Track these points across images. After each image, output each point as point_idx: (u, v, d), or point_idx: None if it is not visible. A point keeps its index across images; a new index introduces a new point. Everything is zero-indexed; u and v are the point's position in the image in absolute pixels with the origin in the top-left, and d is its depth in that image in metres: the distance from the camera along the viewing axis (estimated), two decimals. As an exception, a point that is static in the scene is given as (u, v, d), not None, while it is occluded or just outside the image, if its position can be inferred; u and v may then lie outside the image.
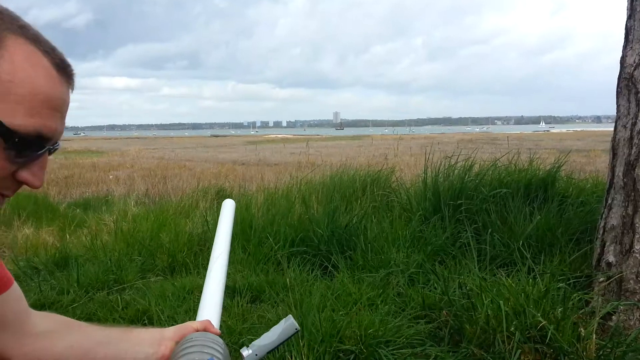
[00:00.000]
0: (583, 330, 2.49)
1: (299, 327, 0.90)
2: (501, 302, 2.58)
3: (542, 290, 2.75)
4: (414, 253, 3.91)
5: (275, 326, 0.92)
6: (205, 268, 3.71)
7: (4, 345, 0.88)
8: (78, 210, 8.34)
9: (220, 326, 0.99)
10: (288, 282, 3.41)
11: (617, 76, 3.17)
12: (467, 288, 2.94)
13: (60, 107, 0.70)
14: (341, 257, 4.04)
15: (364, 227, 4.47)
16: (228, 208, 1.31)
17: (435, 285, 3.31)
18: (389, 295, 3.28)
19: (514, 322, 2.51)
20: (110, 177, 15.28)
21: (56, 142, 0.72)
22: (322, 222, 4.48)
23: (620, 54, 3.16)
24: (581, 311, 2.78)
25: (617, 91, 3.15)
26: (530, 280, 2.90)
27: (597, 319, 2.60)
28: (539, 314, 2.51)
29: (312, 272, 3.86)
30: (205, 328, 0.94)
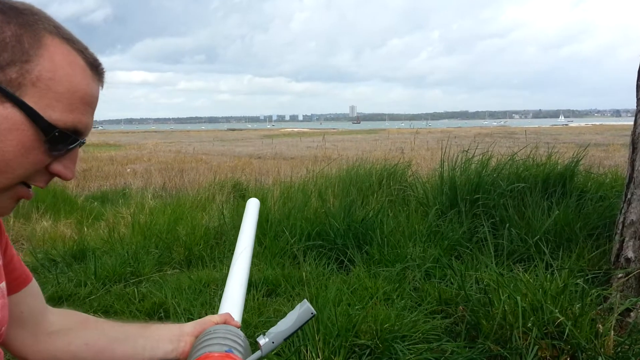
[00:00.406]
0: (601, 327, 2.46)
1: (315, 312, 0.89)
2: (518, 297, 2.56)
3: (560, 286, 2.72)
4: (431, 247, 3.89)
5: (290, 312, 0.90)
6: (222, 261, 3.72)
7: (21, 343, 0.89)
8: (96, 203, 8.44)
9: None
10: (304, 276, 3.41)
11: (637, 69, 3.11)
12: (484, 283, 2.92)
13: (93, 104, 0.74)
14: (357, 251, 4.04)
15: (380, 221, 4.45)
16: (252, 207, 1.32)
17: (452, 280, 3.30)
18: (405, 289, 3.27)
19: (531, 318, 2.49)
20: (128, 170, 15.42)
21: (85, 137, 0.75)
22: (339, 216, 4.48)
23: (641, 47, 3.10)
24: (599, 307, 2.74)
25: (637, 84, 3.10)
26: (548, 275, 2.87)
27: (616, 315, 2.57)
28: (556, 310, 2.48)
29: (328, 266, 3.86)
30: (226, 321, 0.93)
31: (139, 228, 5.11)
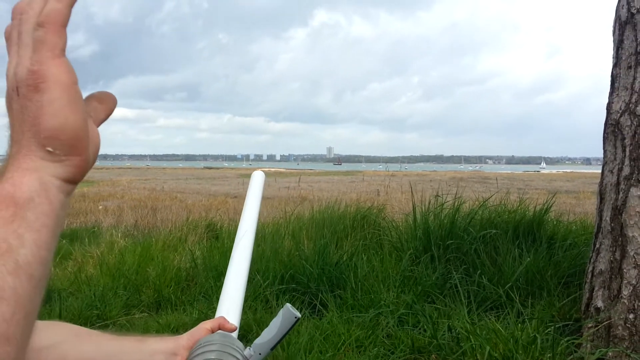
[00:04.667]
0: (572, 378, 2.46)
1: (299, 315, 0.85)
2: (488, 347, 2.55)
3: (531, 335, 2.72)
4: (404, 293, 3.88)
5: (274, 319, 0.86)
6: (192, 305, 3.63)
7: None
8: (64, 241, 8.22)
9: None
10: (276, 321, 3.35)
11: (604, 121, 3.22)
12: (456, 332, 2.90)
13: None
14: (330, 295, 4.00)
15: (354, 264, 4.43)
16: (257, 181, 1.24)
17: (425, 327, 3.28)
18: (378, 336, 3.24)
19: (502, 368, 2.48)
20: (100, 207, 15.15)
21: None
22: (312, 259, 4.45)
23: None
24: (570, 357, 2.75)
25: (603, 137, 3.20)
26: (519, 324, 2.88)
27: (587, 365, 2.58)
28: (527, 360, 2.48)
29: (301, 311, 3.81)
30: (220, 326, 0.89)
31: (108, 269, 4.99)
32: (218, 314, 0.94)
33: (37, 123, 0.49)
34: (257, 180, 1.25)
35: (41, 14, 0.50)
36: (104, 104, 0.59)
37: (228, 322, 0.91)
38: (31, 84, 0.49)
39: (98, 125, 0.57)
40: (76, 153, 0.51)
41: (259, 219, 1.16)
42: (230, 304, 0.96)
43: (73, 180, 0.52)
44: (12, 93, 0.50)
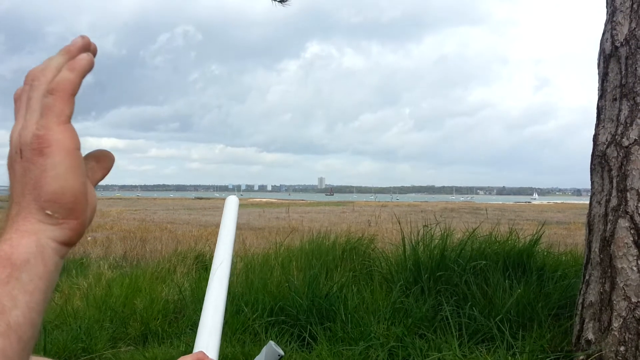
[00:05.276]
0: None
1: (282, 352, 0.83)
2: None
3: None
4: (394, 325, 3.83)
5: (257, 357, 0.84)
6: (179, 338, 3.56)
7: None
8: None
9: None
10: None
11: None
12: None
13: None
14: (320, 328, 3.95)
15: (344, 296, 4.39)
16: (231, 206, 1.23)
17: (415, 360, 3.23)
18: (367, 370, 3.18)
19: (493, 402, 2.44)
20: (89, 238, 14.97)
21: None
22: (302, 291, 4.40)
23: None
24: (562, 391, 2.71)
25: (591, 168, 3.22)
26: (510, 357, 2.84)
27: (579, 399, 2.54)
28: (519, 394, 2.44)
29: (289, 344, 3.75)
30: None
31: (94, 301, 4.90)
32: (196, 348, 0.93)
33: (39, 186, 0.49)
34: (231, 206, 1.25)
35: (52, 82, 0.51)
36: (101, 163, 0.59)
37: (207, 357, 0.90)
38: (36, 148, 0.49)
39: (95, 185, 0.57)
40: (74, 217, 0.51)
41: (234, 246, 1.16)
42: (209, 337, 0.94)
43: (69, 243, 0.52)
44: (15, 155, 0.50)
